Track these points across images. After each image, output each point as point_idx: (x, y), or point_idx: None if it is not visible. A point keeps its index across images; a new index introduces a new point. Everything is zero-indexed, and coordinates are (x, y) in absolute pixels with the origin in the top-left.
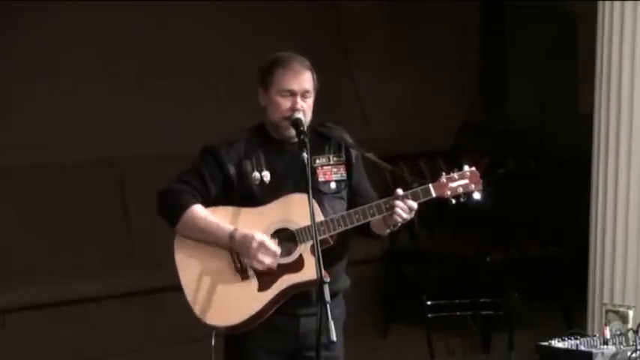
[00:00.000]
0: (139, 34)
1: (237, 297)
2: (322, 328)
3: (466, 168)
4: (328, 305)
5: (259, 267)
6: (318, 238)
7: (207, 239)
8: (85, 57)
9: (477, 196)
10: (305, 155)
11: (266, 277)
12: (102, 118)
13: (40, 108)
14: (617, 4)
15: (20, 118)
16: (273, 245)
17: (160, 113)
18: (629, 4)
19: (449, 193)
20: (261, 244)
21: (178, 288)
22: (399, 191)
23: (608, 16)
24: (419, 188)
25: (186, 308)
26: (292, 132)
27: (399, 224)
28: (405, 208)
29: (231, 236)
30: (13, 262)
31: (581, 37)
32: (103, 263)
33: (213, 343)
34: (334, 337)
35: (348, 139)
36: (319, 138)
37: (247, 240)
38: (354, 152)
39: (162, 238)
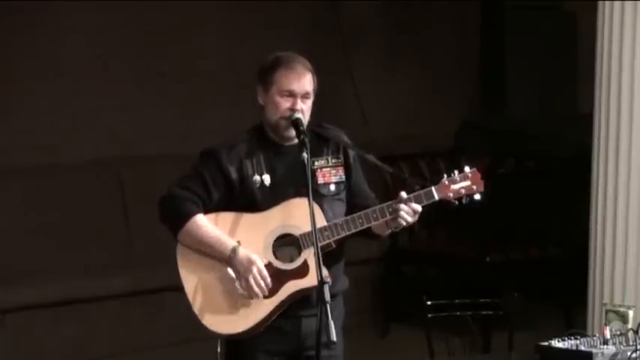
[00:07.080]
0: (139, 34)
1: (242, 305)
2: (322, 328)
3: (467, 169)
4: (328, 305)
5: (248, 293)
6: (323, 243)
7: (207, 252)
8: (85, 57)
9: (478, 197)
10: (305, 155)
11: (271, 284)
12: (102, 118)
13: (40, 108)
14: (617, 4)
15: (20, 118)
16: (268, 277)
17: (160, 113)
18: (629, 4)
19: (451, 195)
20: (260, 273)
21: (178, 288)
22: (403, 194)
23: (608, 16)
24: (422, 191)
25: (187, 308)
26: (291, 132)
27: (402, 227)
28: (409, 212)
29: (232, 254)
30: (14, 262)
31: (581, 37)
32: (103, 263)
33: (219, 349)
34: (334, 337)
35: (346, 139)
36: (317, 140)
37: (249, 263)
38: (351, 153)
39: (162, 238)
